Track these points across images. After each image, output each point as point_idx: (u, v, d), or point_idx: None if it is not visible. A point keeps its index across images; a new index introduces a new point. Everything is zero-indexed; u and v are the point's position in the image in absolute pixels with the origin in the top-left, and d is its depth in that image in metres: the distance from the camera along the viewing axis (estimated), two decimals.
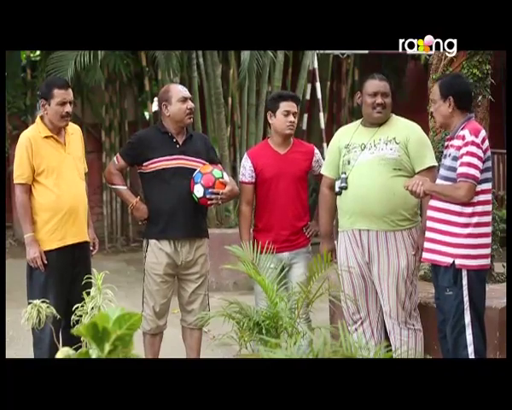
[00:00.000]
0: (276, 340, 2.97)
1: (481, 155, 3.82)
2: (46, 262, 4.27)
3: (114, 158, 4.71)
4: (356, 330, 4.31)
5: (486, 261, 3.94)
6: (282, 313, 3.38)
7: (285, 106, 4.56)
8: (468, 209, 3.83)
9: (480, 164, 3.81)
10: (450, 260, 3.85)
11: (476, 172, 3.79)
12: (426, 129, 4.65)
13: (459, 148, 3.84)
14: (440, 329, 4.03)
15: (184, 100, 4.50)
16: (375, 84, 4.23)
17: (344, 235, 4.29)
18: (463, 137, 3.84)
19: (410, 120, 4.33)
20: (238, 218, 4.79)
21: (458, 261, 3.83)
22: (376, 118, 4.22)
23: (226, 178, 4.51)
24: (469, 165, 3.78)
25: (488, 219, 3.92)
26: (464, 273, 3.84)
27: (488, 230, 3.92)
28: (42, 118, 4.38)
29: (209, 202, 4.45)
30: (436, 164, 4.19)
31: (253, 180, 4.61)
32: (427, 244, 3.98)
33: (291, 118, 4.55)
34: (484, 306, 3.97)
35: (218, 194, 4.39)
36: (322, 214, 4.48)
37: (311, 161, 4.65)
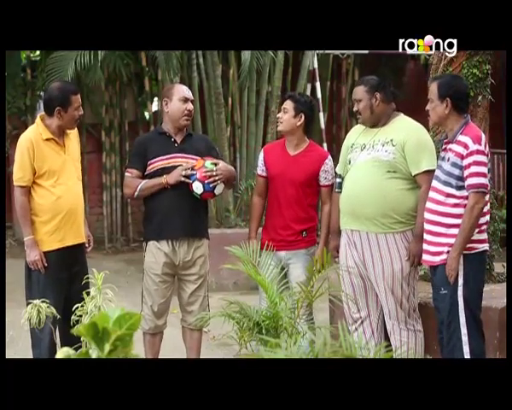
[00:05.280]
0: (276, 340, 2.97)
1: (486, 161, 3.86)
2: (46, 264, 4.27)
3: (126, 173, 4.57)
4: (356, 329, 4.30)
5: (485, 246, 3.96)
6: (282, 313, 3.38)
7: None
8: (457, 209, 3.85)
9: (486, 171, 3.84)
10: (443, 257, 3.85)
11: (485, 181, 3.81)
12: (426, 129, 4.63)
13: (461, 156, 3.83)
14: (440, 329, 4.02)
15: (185, 100, 4.51)
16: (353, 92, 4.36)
17: (343, 234, 4.31)
18: (466, 146, 3.83)
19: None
20: (249, 210, 4.89)
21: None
22: (361, 124, 4.33)
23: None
24: (478, 175, 3.80)
25: (487, 218, 3.97)
26: (460, 273, 3.83)
27: (485, 227, 3.96)
28: (42, 119, 4.34)
29: (208, 180, 4.32)
30: (434, 168, 4.10)
31: (265, 174, 4.70)
32: (425, 246, 3.99)
33: (279, 115, 4.70)
34: (480, 305, 3.95)
35: (212, 171, 4.34)
36: (332, 210, 4.51)
37: (318, 168, 4.61)
